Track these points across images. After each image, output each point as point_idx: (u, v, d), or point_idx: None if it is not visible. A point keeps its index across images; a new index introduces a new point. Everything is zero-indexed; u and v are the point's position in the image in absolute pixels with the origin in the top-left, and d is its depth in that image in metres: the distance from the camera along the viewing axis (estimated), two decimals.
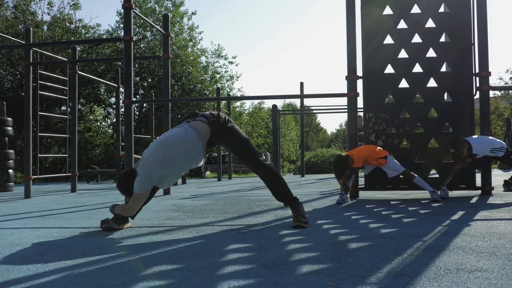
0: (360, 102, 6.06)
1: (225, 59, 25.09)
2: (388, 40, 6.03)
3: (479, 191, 5.95)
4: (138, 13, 7.10)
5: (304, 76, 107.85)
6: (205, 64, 24.24)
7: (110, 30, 23.60)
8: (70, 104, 9.36)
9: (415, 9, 6.01)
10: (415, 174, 5.38)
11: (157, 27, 9.41)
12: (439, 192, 5.38)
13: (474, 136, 5.56)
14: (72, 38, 21.35)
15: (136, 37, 22.09)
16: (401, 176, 5.45)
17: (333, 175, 15.26)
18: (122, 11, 6.43)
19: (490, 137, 5.60)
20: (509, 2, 58.15)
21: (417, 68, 5.99)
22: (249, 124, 27.90)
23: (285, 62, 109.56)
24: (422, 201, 5.26)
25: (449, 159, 6.21)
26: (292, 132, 43.73)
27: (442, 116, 5.99)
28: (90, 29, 22.89)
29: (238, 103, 25.76)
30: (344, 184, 5.41)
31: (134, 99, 6.41)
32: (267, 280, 2.01)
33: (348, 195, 5.46)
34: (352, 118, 6.06)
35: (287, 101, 55.58)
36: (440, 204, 4.96)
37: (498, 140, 5.57)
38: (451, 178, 5.52)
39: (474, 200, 5.24)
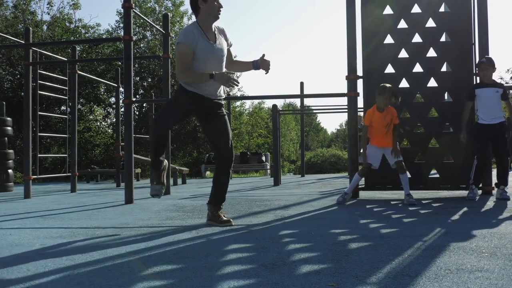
0: (360, 102, 6.07)
1: None
2: (388, 39, 6.02)
3: (479, 191, 5.94)
4: (138, 13, 7.09)
5: (304, 76, 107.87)
6: None
7: (110, 29, 23.62)
8: (70, 104, 9.36)
9: (415, 9, 6.00)
10: (406, 171, 5.22)
11: (157, 27, 9.40)
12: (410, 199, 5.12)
13: None
14: (72, 38, 21.34)
15: (136, 37, 22.08)
16: (393, 165, 5.21)
17: (332, 175, 15.28)
18: (122, 11, 6.43)
19: None
20: (509, 2, 58.15)
21: (417, 68, 5.99)
22: (249, 124, 27.89)
23: (285, 62, 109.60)
24: (423, 201, 5.25)
25: (449, 159, 6.19)
26: (292, 132, 43.74)
27: (443, 116, 5.98)
28: (90, 28, 22.90)
29: (238, 103, 25.76)
30: (364, 153, 5.34)
31: (134, 99, 6.41)
32: (267, 280, 2.00)
33: (350, 194, 5.38)
34: (352, 118, 6.06)
35: (287, 101, 55.59)
36: (440, 204, 4.95)
37: None
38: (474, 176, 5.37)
39: (474, 200, 5.23)
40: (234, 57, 4.03)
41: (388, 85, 5.21)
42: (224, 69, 3.75)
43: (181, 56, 3.54)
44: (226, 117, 3.84)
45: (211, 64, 3.60)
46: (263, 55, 3.78)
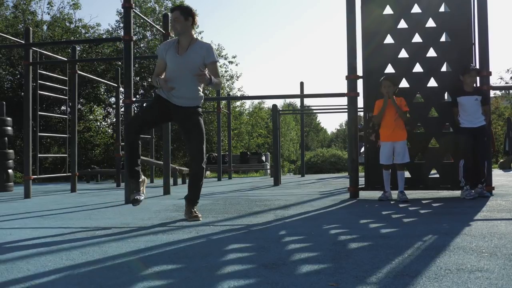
0: (360, 102, 6.07)
1: (225, 59, 25.11)
2: (389, 39, 6.02)
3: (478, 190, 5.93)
4: (138, 13, 7.10)
5: (304, 76, 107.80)
6: None
7: (110, 29, 23.60)
8: (70, 104, 9.36)
9: (416, 9, 6.00)
10: (405, 170, 5.67)
11: (157, 27, 9.40)
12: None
13: None
14: (72, 38, 21.33)
15: (136, 37, 22.06)
16: (395, 163, 5.51)
17: (332, 175, 15.27)
18: (122, 10, 6.43)
19: None
20: (509, 2, 58.14)
21: (418, 68, 5.99)
22: (249, 124, 27.88)
23: (285, 62, 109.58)
24: (423, 201, 5.25)
25: (449, 158, 6.18)
26: (292, 132, 43.76)
27: (443, 116, 5.98)
28: (90, 28, 22.87)
29: (238, 103, 25.75)
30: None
31: (134, 99, 6.40)
32: (267, 280, 2.00)
33: (389, 191, 5.58)
34: (352, 118, 6.06)
35: (287, 101, 55.59)
36: (440, 204, 4.95)
37: None
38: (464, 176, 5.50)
39: (474, 200, 5.23)
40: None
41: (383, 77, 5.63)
42: (189, 79, 4.00)
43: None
44: (197, 120, 4.09)
45: (173, 72, 4.05)
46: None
